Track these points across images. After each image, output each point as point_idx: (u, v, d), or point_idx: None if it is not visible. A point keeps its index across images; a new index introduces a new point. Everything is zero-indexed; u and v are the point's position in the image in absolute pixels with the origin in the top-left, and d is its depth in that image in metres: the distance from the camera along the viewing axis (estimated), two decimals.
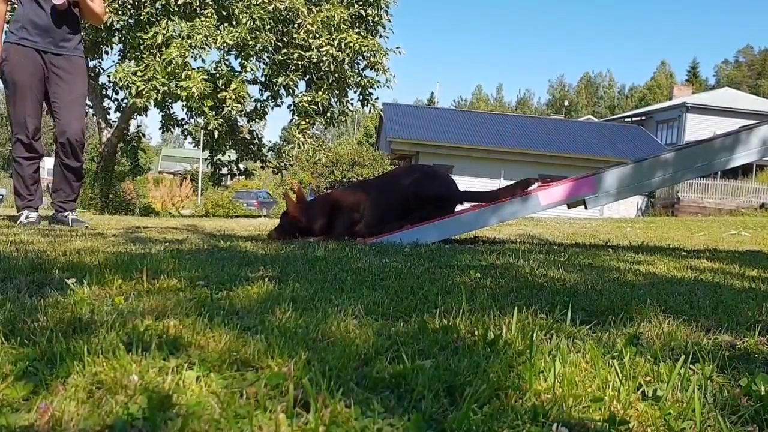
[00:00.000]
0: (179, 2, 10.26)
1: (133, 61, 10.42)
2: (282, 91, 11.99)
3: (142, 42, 10.17)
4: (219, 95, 10.16)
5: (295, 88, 11.59)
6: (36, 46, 4.09)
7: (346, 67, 11.27)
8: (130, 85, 9.87)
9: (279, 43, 11.15)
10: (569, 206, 3.93)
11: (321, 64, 10.76)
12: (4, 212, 6.35)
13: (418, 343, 1.17)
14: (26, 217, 4.16)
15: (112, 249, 2.56)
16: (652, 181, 3.90)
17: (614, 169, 3.86)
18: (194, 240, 3.39)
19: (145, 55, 10.07)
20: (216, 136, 11.31)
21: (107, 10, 9.93)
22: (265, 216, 14.46)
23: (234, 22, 10.38)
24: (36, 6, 4.08)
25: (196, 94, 9.70)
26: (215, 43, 10.14)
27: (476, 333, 1.25)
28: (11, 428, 0.79)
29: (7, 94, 4.18)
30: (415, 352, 1.11)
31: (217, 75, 10.61)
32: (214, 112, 10.24)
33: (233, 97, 10.12)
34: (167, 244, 3.02)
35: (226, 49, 10.62)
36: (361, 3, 11.46)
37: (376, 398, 0.89)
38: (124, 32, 11.03)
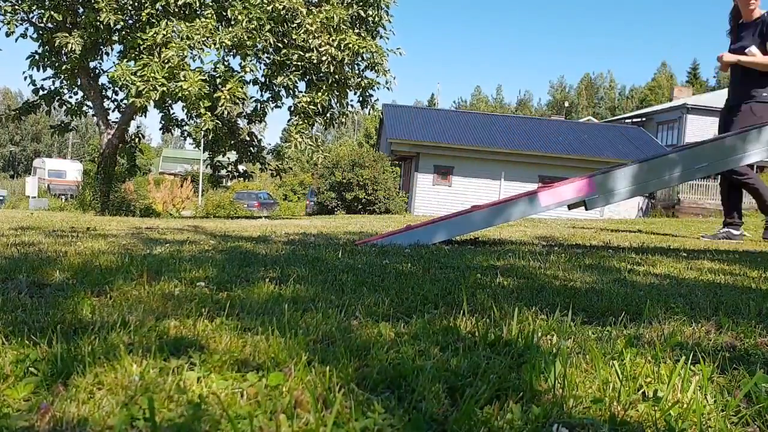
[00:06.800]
0: (179, 3, 10.27)
1: (132, 62, 10.42)
2: (282, 92, 11.99)
3: (141, 42, 10.17)
4: (215, 95, 10.17)
5: (295, 89, 11.58)
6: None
7: (346, 68, 11.25)
8: (129, 85, 9.87)
9: (279, 44, 11.15)
10: (570, 207, 3.91)
11: (320, 64, 10.75)
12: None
13: (419, 344, 1.17)
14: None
15: (113, 250, 2.56)
16: (655, 182, 3.88)
17: (617, 169, 3.84)
18: (195, 241, 3.39)
19: (144, 55, 10.07)
20: (213, 137, 11.28)
21: (107, 9, 9.96)
22: (266, 217, 14.43)
23: (233, 22, 10.38)
24: None
25: (193, 95, 9.70)
26: (213, 44, 10.15)
27: (477, 334, 1.25)
28: (12, 429, 0.79)
29: None
30: (416, 352, 1.11)
31: (216, 75, 10.62)
32: (210, 113, 10.24)
33: (227, 96, 10.11)
34: (168, 245, 3.02)
35: (225, 50, 10.62)
36: (360, 3, 11.44)
37: (377, 399, 0.89)
38: (124, 33, 11.04)
